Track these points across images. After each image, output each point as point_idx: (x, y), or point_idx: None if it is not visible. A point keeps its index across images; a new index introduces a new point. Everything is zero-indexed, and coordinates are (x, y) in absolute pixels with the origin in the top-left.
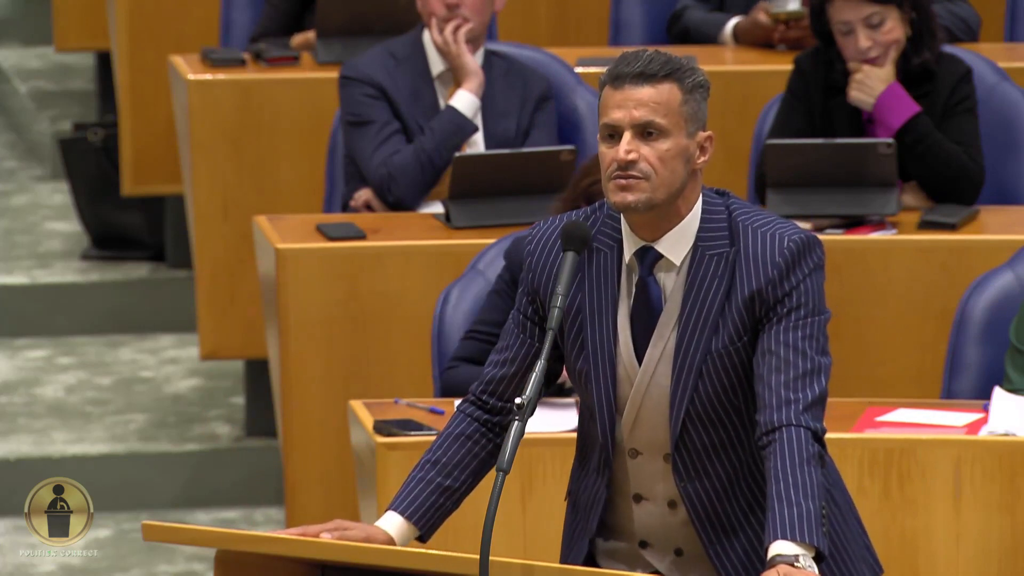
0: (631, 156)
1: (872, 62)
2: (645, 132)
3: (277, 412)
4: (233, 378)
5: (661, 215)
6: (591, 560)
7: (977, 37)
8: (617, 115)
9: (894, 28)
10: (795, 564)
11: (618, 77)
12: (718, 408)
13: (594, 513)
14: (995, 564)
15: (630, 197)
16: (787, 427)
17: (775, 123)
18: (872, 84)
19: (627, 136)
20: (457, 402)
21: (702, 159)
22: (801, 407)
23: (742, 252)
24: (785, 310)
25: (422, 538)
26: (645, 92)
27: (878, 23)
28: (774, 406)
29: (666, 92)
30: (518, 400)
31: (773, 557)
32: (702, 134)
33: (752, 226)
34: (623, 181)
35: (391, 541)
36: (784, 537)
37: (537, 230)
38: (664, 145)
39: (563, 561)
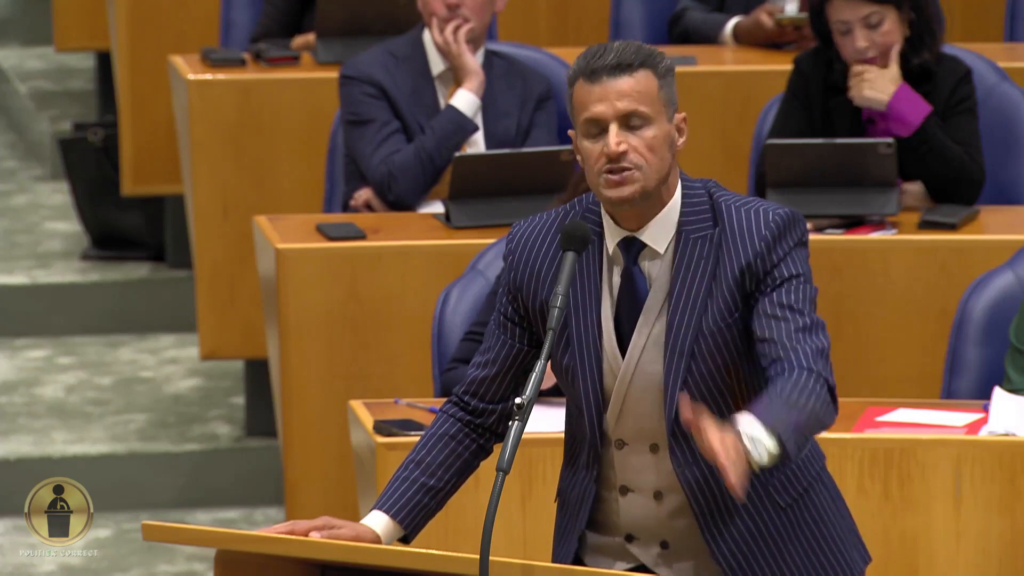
0: (622, 148)
1: (870, 62)
2: (630, 123)
3: (277, 412)
4: (233, 378)
5: (647, 203)
6: (578, 557)
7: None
8: (600, 108)
9: (892, 28)
10: (745, 443)
11: (594, 71)
12: (712, 390)
13: (583, 509)
14: (995, 564)
15: (627, 191)
16: (799, 369)
17: (775, 123)
18: (884, 84)
19: (614, 129)
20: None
21: (681, 140)
22: (811, 354)
23: (727, 230)
24: (776, 281)
25: (406, 538)
26: (624, 83)
27: (876, 23)
28: (781, 356)
29: (644, 80)
30: (518, 400)
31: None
32: (678, 116)
33: (735, 205)
34: (616, 177)
35: (378, 540)
36: (755, 415)
37: (518, 229)
38: (650, 133)
39: (553, 559)
